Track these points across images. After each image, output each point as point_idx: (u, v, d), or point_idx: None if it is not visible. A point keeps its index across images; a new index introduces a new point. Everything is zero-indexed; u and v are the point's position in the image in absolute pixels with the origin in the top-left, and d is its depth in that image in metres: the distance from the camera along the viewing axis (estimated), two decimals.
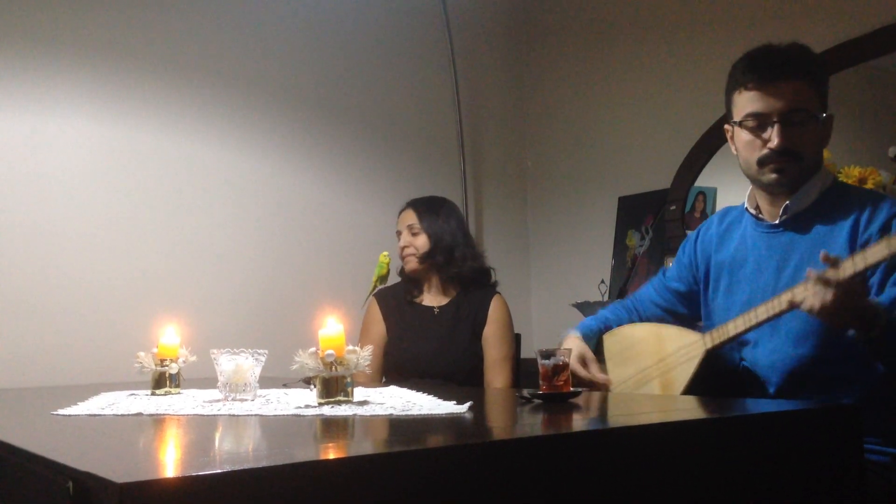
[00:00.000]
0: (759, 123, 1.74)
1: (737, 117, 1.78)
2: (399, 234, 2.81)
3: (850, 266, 1.52)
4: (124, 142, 3.16)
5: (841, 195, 1.78)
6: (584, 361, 1.96)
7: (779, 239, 1.80)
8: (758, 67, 1.74)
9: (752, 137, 1.76)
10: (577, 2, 3.88)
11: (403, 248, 2.76)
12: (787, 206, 1.78)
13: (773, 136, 1.72)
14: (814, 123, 1.74)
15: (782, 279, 1.76)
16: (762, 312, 1.69)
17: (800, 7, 2.97)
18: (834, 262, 1.53)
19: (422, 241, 2.74)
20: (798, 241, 1.77)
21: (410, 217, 2.78)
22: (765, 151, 1.74)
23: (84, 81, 3.10)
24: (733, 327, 1.75)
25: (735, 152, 1.84)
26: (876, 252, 1.50)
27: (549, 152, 4.01)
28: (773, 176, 1.75)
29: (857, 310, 1.55)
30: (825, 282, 1.52)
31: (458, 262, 2.74)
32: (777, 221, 1.80)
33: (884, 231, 1.66)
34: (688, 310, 2.06)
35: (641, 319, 2.11)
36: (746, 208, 1.88)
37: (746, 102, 1.75)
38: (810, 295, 1.55)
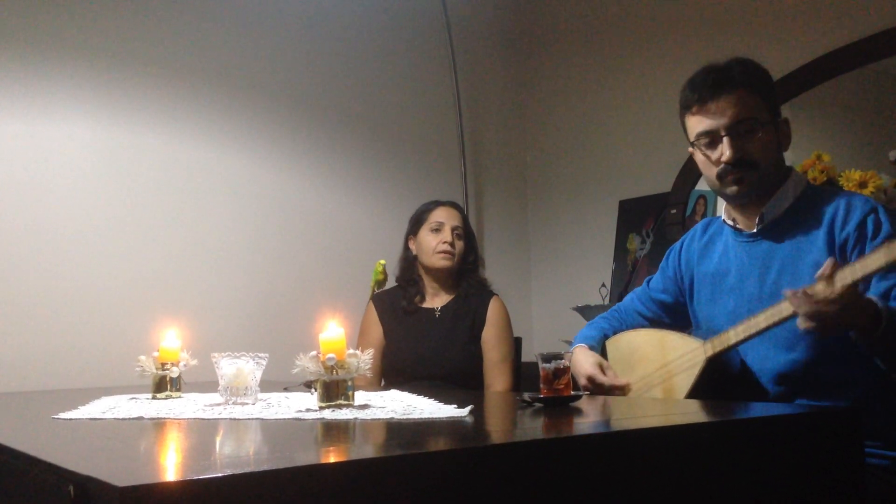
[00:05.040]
0: (710, 141, 1.79)
1: (691, 139, 1.84)
2: (439, 226, 2.75)
3: (850, 275, 1.50)
4: (126, 146, 3.16)
5: (814, 198, 1.80)
6: (601, 368, 1.96)
7: (758, 247, 1.82)
8: (697, 88, 1.80)
9: (707, 156, 1.81)
10: (578, 5, 3.89)
11: (445, 243, 2.73)
12: (762, 214, 1.80)
13: (724, 150, 1.76)
14: (763, 130, 1.76)
15: (766, 287, 1.78)
16: (762, 320, 1.69)
17: (800, 11, 2.98)
18: (829, 278, 1.50)
19: (461, 245, 2.77)
20: (777, 248, 1.79)
21: (457, 218, 2.80)
22: (720, 166, 1.78)
23: (84, 85, 3.10)
24: (734, 335, 1.75)
25: (702, 172, 1.89)
26: (875, 260, 1.48)
27: (549, 156, 4.01)
28: (734, 188, 1.78)
29: (856, 309, 1.53)
30: (819, 301, 1.50)
31: (472, 267, 2.83)
32: (755, 230, 1.82)
33: (860, 228, 1.68)
34: (672, 320, 2.07)
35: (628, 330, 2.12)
36: (724, 220, 1.91)
37: (695, 124, 1.81)
38: (805, 318, 1.52)
